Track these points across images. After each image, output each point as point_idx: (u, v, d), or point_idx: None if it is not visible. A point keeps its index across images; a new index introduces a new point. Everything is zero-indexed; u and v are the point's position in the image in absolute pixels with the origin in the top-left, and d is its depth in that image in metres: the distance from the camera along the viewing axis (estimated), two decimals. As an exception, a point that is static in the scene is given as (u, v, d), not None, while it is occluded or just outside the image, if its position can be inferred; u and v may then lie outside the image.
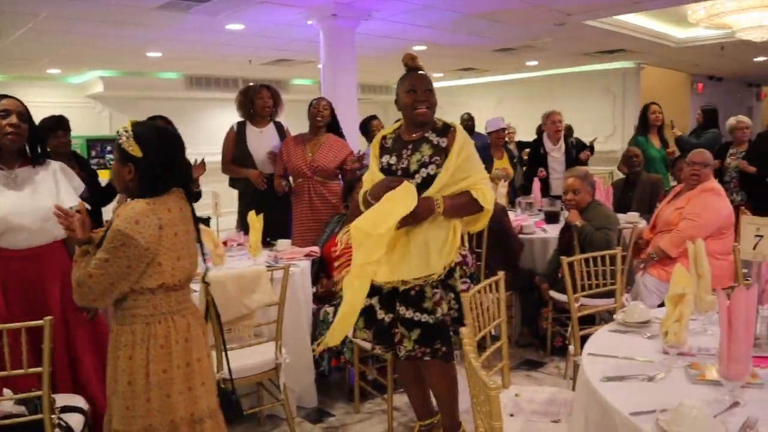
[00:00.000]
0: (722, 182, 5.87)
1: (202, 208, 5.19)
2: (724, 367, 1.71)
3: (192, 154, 4.74)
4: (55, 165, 2.94)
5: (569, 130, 9.38)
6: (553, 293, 4.18)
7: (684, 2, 6.46)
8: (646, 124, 6.36)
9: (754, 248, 2.20)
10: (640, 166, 5.63)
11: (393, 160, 2.77)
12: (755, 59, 11.18)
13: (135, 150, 2.07)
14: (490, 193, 2.73)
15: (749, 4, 6.44)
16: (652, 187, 5.52)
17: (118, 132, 2.12)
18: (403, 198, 2.53)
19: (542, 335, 4.47)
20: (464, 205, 2.69)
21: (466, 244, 3.31)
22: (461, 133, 2.74)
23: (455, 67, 11.05)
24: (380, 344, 2.79)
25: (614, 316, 2.49)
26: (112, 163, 2.19)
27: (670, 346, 2.03)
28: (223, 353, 2.86)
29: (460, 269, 2.72)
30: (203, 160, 4.57)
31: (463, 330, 1.95)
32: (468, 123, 8.79)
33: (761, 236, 2.19)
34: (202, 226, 3.58)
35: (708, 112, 7.23)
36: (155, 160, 2.10)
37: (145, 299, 2.09)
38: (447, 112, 11.18)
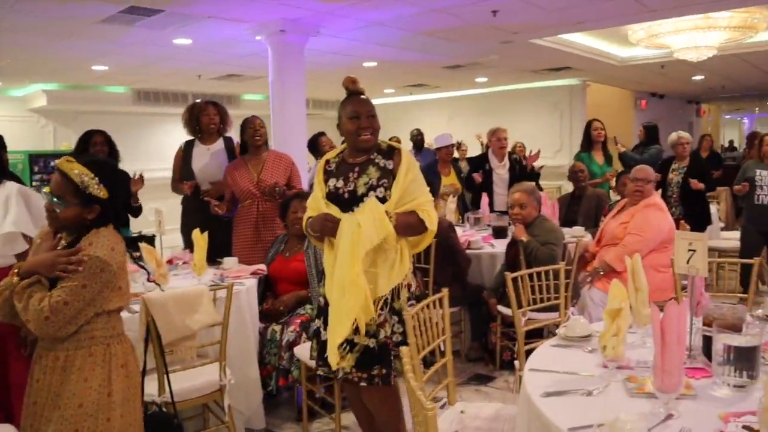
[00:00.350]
0: (664, 195, 6.06)
1: (147, 226, 5.08)
2: (659, 380, 1.75)
3: (143, 171, 4.69)
4: (10, 188, 2.84)
5: (521, 146, 9.56)
6: (501, 308, 4.22)
7: (624, 23, 6.67)
8: (589, 140, 6.56)
9: (688, 262, 2.26)
10: (585, 180, 5.76)
11: (340, 183, 2.75)
12: (693, 78, 11.61)
13: (102, 192, 2.12)
14: (434, 215, 2.75)
15: (685, 26, 6.69)
16: (598, 201, 5.65)
17: (73, 177, 2.08)
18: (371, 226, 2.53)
19: (491, 349, 4.51)
20: (414, 224, 2.69)
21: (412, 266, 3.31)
22: (407, 155, 2.75)
23: (406, 84, 11.15)
24: (324, 366, 2.75)
25: (556, 330, 2.52)
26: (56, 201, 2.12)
27: (609, 360, 2.07)
28: (165, 375, 2.79)
29: (407, 291, 2.72)
30: (141, 174, 4.51)
31: (403, 349, 1.94)
32: (417, 138, 8.87)
33: (694, 250, 2.25)
34: (144, 245, 3.52)
35: (649, 129, 7.47)
36: (119, 196, 2.22)
37: (103, 321, 2.13)
38: (399, 128, 11.32)
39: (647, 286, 2.39)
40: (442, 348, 2.72)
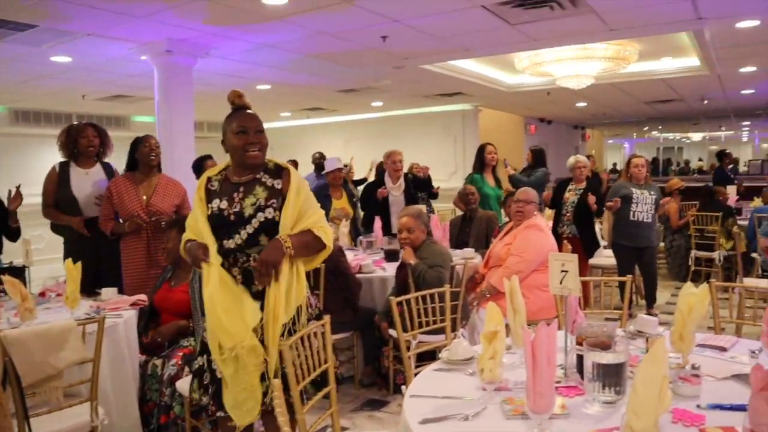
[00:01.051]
0: (559, 214, 6.30)
1: (16, 255, 4.71)
2: (531, 402, 1.76)
3: (20, 186, 4.32)
4: None
5: (417, 166, 9.71)
6: (392, 331, 4.20)
7: (509, 51, 6.96)
8: (482, 163, 6.76)
9: (561, 283, 2.33)
10: (476, 203, 5.91)
11: (224, 204, 2.60)
12: (577, 104, 12.30)
13: None
14: (330, 231, 2.70)
15: (566, 56, 7.06)
16: (488, 223, 5.80)
17: None
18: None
19: (385, 374, 4.48)
20: (311, 243, 2.61)
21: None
22: (295, 174, 2.67)
23: (302, 107, 11.12)
24: (221, 408, 2.59)
25: (439, 354, 2.52)
26: None
27: (487, 383, 2.08)
28: (25, 421, 2.56)
29: (306, 311, 2.63)
30: (18, 188, 4.20)
31: (275, 382, 1.87)
32: (320, 161, 8.81)
33: (567, 271, 2.32)
34: (6, 278, 3.24)
35: (536, 152, 7.78)
36: None
37: None
38: (298, 151, 11.25)
39: (524, 307, 2.43)
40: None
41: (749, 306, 3.54)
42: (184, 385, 3.22)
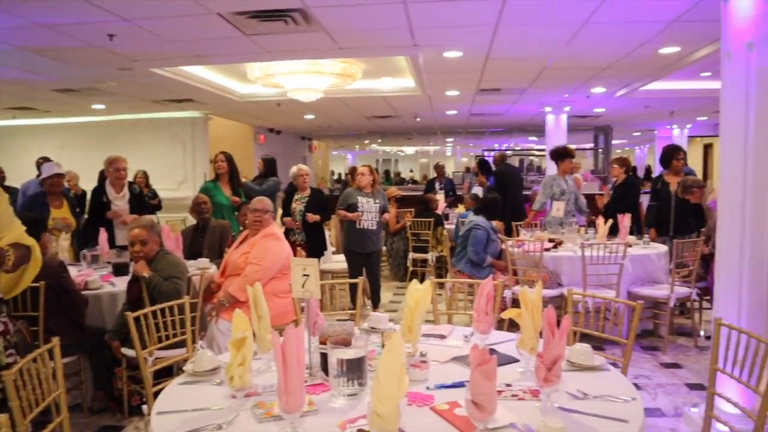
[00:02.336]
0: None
1: None
2: (284, 402, 1.82)
3: None
4: None
5: (145, 177, 9.21)
6: (125, 350, 3.94)
7: (243, 60, 7.00)
8: (216, 171, 6.71)
9: (303, 286, 2.43)
10: (208, 212, 5.81)
11: None
12: (305, 116, 12.78)
13: None
14: (36, 244, 2.46)
15: (297, 69, 7.32)
16: (222, 232, 5.74)
17: None
18: None
19: (118, 396, 4.16)
20: (25, 254, 2.38)
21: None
22: None
23: (8, 105, 9.82)
24: None
25: (183, 367, 2.46)
26: None
27: (237, 390, 2.09)
28: None
29: (3, 340, 2.34)
30: None
31: (0, 417, 1.66)
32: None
33: (308, 275, 2.44)
34: None
35: (268, 162, 7.96)
36: None
37: None
38: (2, 156, 9.88)
39: (269, 313, 2.49)
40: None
41: (461, 299, 4.07)
42: None
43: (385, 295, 7.70)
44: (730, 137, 3.59)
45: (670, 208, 6.44)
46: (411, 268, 8.41)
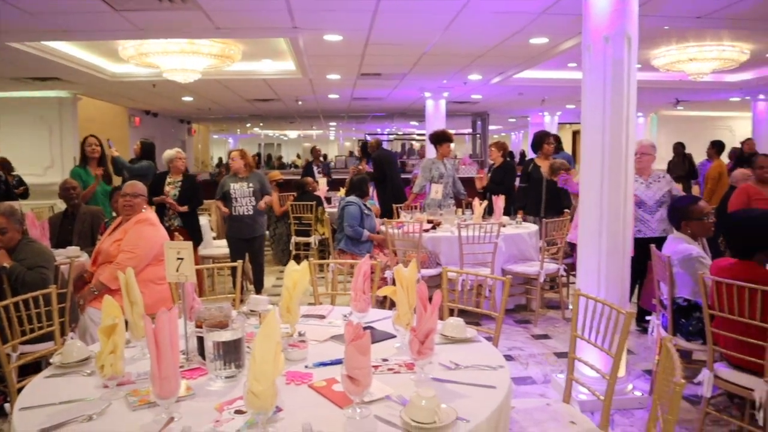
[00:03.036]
0: (164, 206, 6.20)
1: None
2: (158, 388, 1.80)
3: None
4: None
5: (7, 165, 8.54)
6: (-15, 346, 3.69)
7: (112, 38, 6.62)
8: (84, 156, 6.50)
9: (177, 270, 2.39)
10: (78, 198, 5.51)
11: None
12: (183, 98, 12.32)
13: None
14: None
15: (172, 49, 7.03)
16: (93, 219, 5.46)
17: None
18: None
19: (-23, 396, 3.89)
20: None
21: None
22: None
23: None
24: None
25: (51, 360, 2.34)
26: None
27: (109, 379, 2.03)
28: None
29: None
30: None
31: None
32: None
33: (182, 259, 2.40)
34: None
35: (145, 145, 7.68)
36: None
37: None
38: None
39: (142, 299, 2.43)
40: None
41: (341, 281, 4.12)
42: None
43: (269, 279, 7.66)
44: (590, 124, 3.88)
45: (542, 190, 6.86)
46: (294, 252, 8.39)
